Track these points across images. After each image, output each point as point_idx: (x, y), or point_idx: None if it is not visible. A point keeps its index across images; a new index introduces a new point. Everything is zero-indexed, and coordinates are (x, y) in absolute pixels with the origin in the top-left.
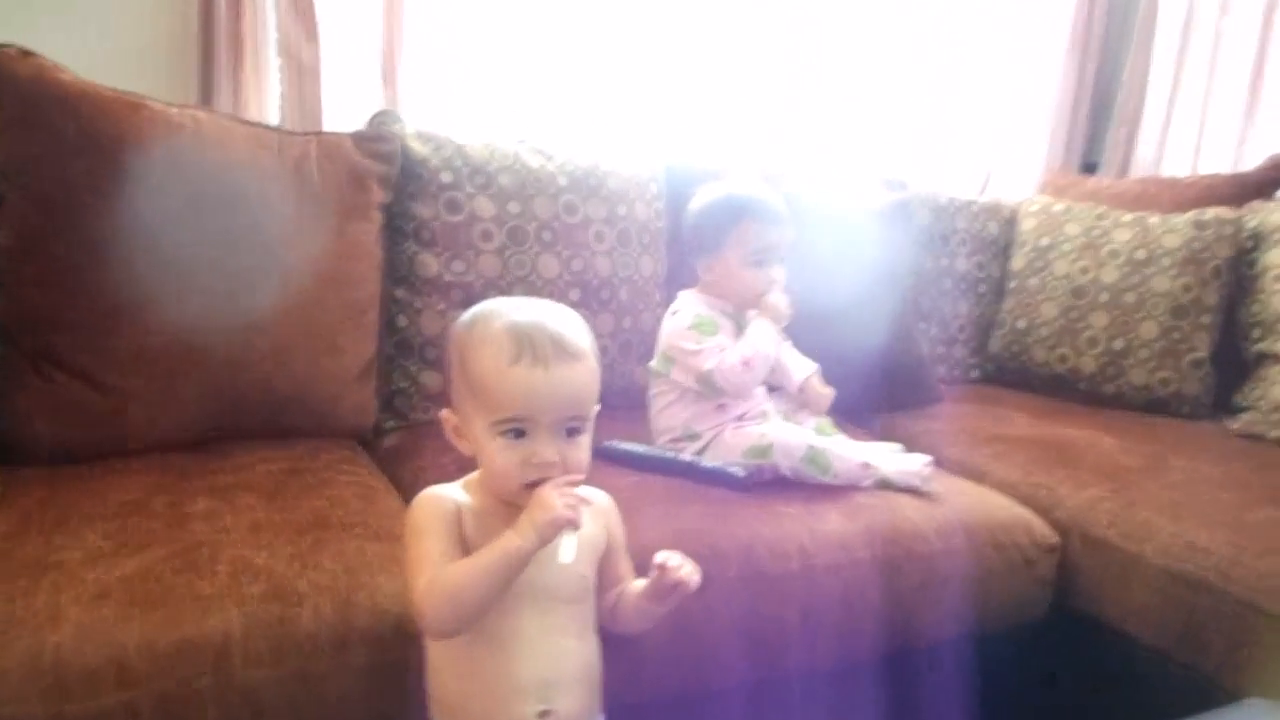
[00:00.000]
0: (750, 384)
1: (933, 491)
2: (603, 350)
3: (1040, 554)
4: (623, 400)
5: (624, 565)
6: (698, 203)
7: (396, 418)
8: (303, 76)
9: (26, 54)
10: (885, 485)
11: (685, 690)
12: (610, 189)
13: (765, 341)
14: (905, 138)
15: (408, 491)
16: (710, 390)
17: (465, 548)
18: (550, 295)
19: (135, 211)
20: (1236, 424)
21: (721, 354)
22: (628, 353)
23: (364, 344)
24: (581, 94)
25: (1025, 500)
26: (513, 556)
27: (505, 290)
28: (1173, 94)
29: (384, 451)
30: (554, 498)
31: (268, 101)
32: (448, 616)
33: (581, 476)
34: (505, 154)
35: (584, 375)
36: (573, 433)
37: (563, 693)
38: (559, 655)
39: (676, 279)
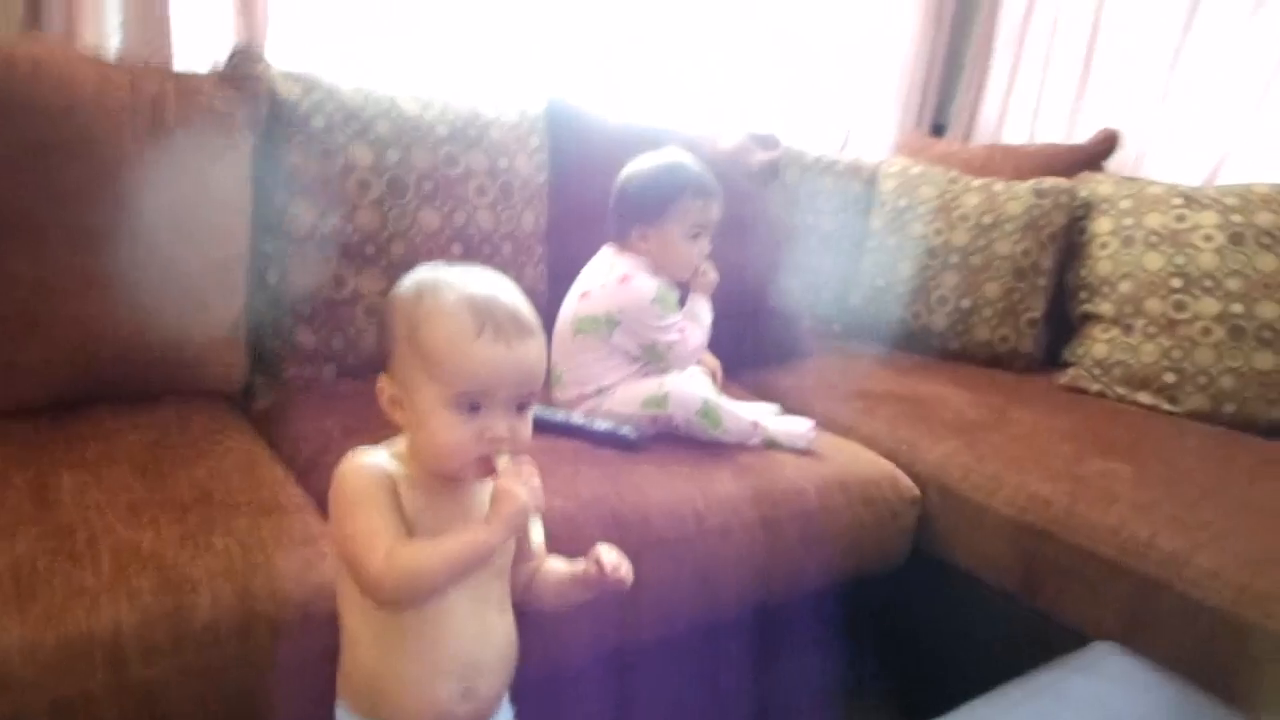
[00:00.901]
0: (697, 353)
1: (814, 450)
2: None
3: (904, 507)
4: None
5: (538, 539)
6: (639, 171)
7: (268, 377)
8: (147, 2)
9: None
10: (771, 445)
11: (579, 661)
12: (491, 140)
13: (706, 315)
14: (769, 92)
15: (289, 459)
16: (656, 360)
17: (404, 521)
18: (432, 250)
19: None
20: (1064, 378)
21: (683, 333)
22: None
23: (231, 300)
24: (456, 33)
25: (890, 455)
26: (481, 550)
27: (384, 245)
28: (1015, 64)
29: (257, 414)
30: (518, 487)
31: (106, 24)
32: (405, 593)
33: (528, 453)
34: (381, 99)
35: (539, 350)
36: (523, 407)
37: (484, 672)
38: (485, 632)
39: (556, 234)
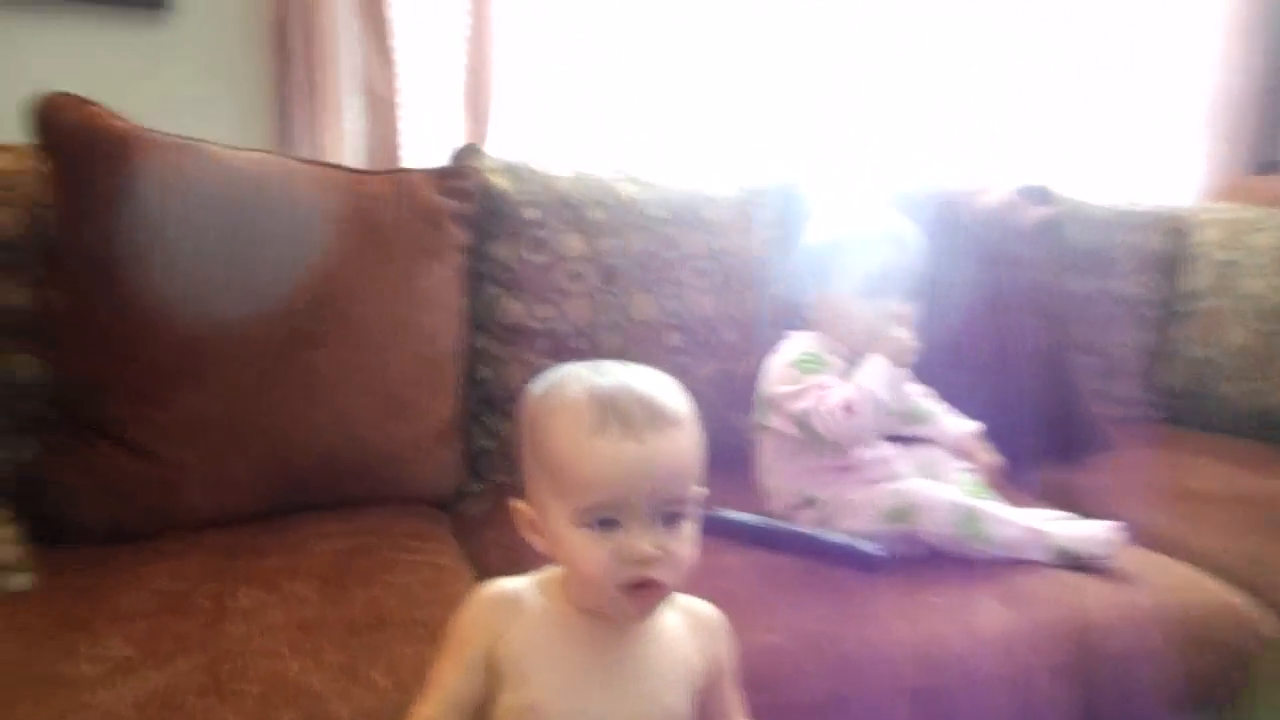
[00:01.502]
0: (853, 433)
1: (1120, 569)
2: (706, 401)
3: (1258, 649)
4: (729, 459)
5: (731, 698)
6: (808, 232)
7: (481, 480)
8: (382, 112)
9: (80, 101)
10: (1061, 558)
11: None
12: (713, 219)
13: (875, 380)
14: (1042, 141)
15: (483, 572)
16: (810, 437)
17: (492, 674)
18: (647, 340)
19: (188, 265)
20: None
21: (822, 393)
22: (734, 402)
23: (442, 401)
24: (684, 117)
25: (1232, 579)
26: None
27: (595, 337)
28: None
29: (466, 520)
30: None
31: (348, 142)
32: None
33: (684, 576)
34: (595, 184)
35: (683, 445)
36: (672, 520)
37: None
38: None
39: (786, 319)
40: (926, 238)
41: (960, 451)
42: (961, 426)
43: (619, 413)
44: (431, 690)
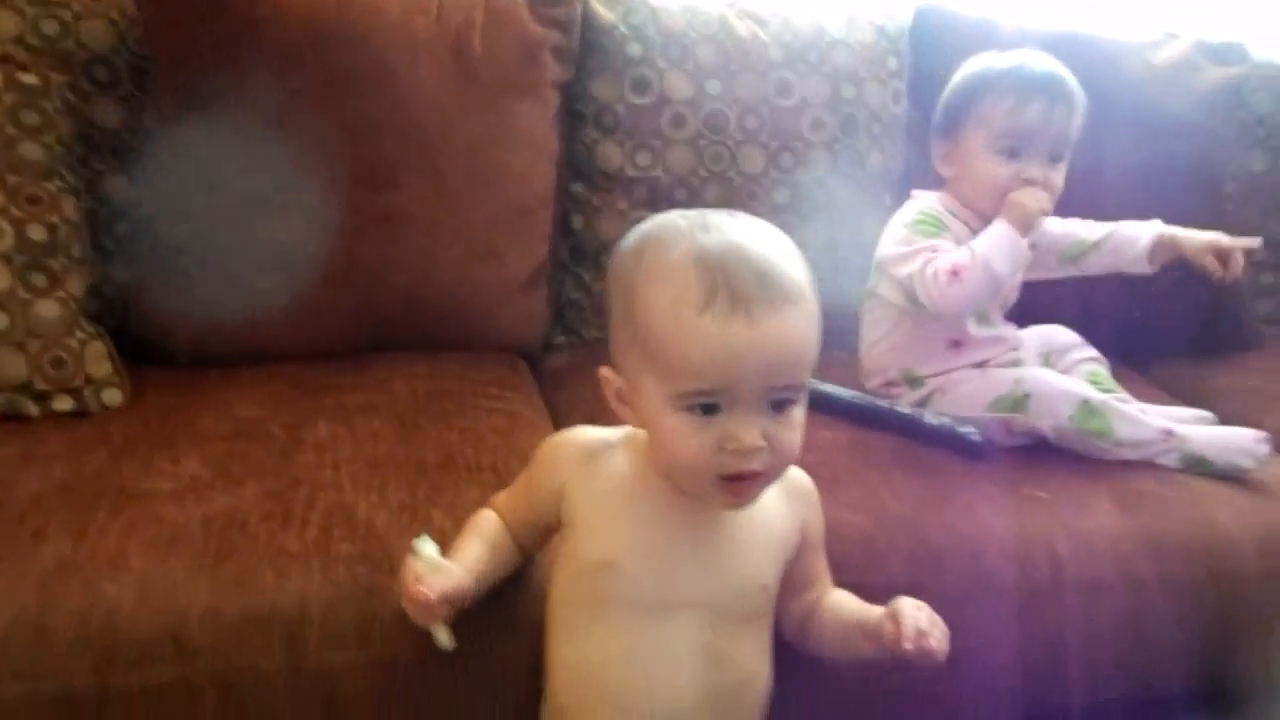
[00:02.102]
0: (957, 302)
1: (1258, 482)
2: (815, 267)
3: None
4: (836, 333)
5: (819, 565)
6: (953, 79)
7: (568, 333)
8: None
9: None
10: (1194, 465)
11: None
12: (835, 64)
13: (992, 248)
14: None
15: (563, 423)
16: (915, 307)
17: (563, 514)
18: (752, 196)
19: (269, 91)
20: None
21: (933, 256)
22: (845, 271)
23: (531, 247)
24: None
25: None
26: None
27: (697, 189)
28: None
29: (549, 372)
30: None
31: None
32: None
33: (789, 466)
34: (708, 20)
35: (800, 326)
36: (781, 405)
37: None
38: (718, 689)
39: (913, 180)
40: (1083, 93)
41: (1155, 254)
42: (1140, 230)
43: (729, 285)
44: (504, 496)
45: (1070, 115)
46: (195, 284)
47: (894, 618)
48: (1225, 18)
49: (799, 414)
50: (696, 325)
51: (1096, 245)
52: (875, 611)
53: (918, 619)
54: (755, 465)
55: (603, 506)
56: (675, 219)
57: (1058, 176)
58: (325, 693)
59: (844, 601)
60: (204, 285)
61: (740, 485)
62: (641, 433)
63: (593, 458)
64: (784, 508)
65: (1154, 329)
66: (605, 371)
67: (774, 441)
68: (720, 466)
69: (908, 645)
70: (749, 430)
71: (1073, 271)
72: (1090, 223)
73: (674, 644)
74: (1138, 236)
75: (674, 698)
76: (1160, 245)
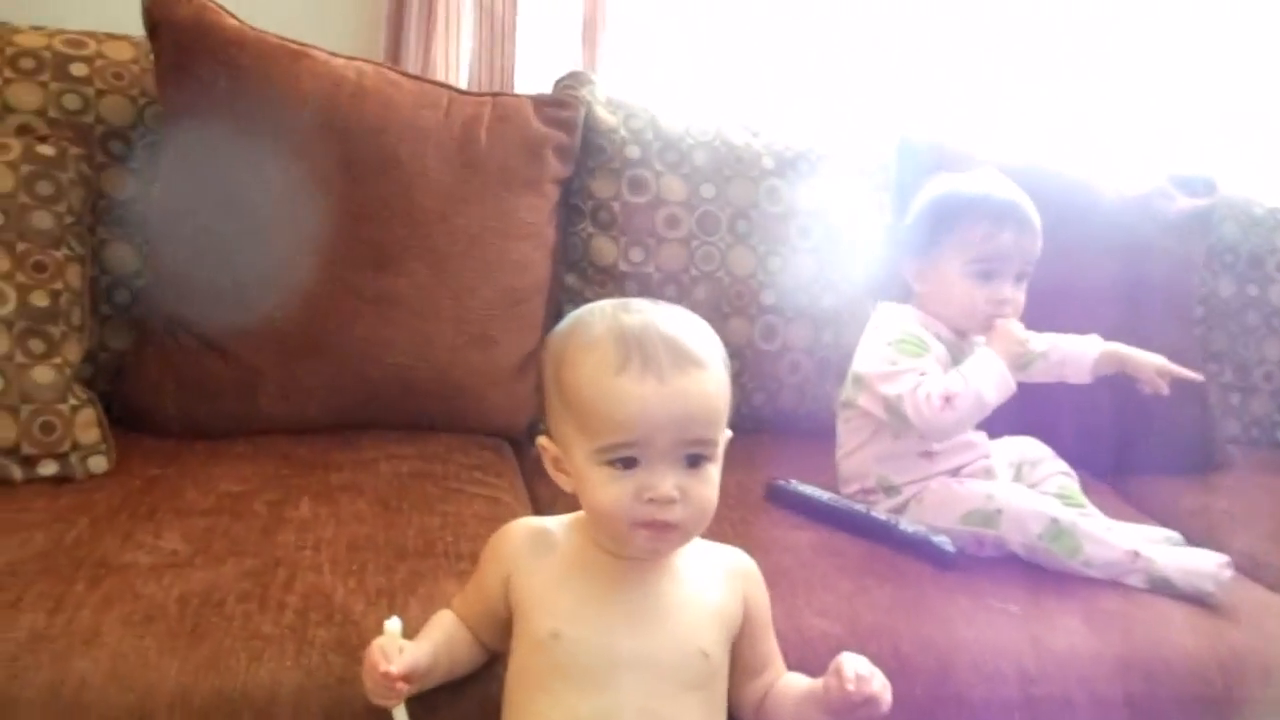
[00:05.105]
0: (948, 427)
1: (1221, 606)
2: (796, 368)
3: None
4: (817, 431)
5: (768, 646)
6: (919, 197)
7: None
8: (497, 35)
9: None
10: (1159, 586)
11: None
12: (823, 174)
13: (983, 378)
14: (1199, 122)
15: (545, 510)
16: (897, 424)
17: (513, 605)
18: (739, 296)
19: (282, 172)
20: None
21: (921, 380)
22: (825, 372)
23: (524, 335)
24: (806, 69)
25: None
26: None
27: (687, 286)
28: None
29: (534, 459)
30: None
31: (458, 61)
32: None
33: (705, 519)
34: (704, 128)
35: (708, 387)
36: (696, 461)
37: None
38: None
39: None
40: (1055, 219)
41: (1097, 373)
42: (1085, 345)
43: (643, 351)
44: (459, 595)
45: (1035, 239)
46: (190, 356)
47: (836, 673)
48: (1194, 153)
49: (714, 471)
50: (614, 384)
51: (1044, 354)
52: (821, 680)
53: (857, 666)
54: (670, 517)
55: (547, 584)
56: (603, 304)
57: (1022, 295)
58: None
59: (794, 680)
60: (199, 358)
61: (658, 532)
62: (583, 515)
63: (537, 543)
64: (722, 582)
65: (1129, 447)
66: (543, 440)
67: (688, 494)
68: (639, 514)
69: (850, 687)
70: (664, 480)
71: (1018, 377)
72: (1032, 333)
73: (618, 711)
74: (1085, 351)
75: None
76: (1105, 359)
